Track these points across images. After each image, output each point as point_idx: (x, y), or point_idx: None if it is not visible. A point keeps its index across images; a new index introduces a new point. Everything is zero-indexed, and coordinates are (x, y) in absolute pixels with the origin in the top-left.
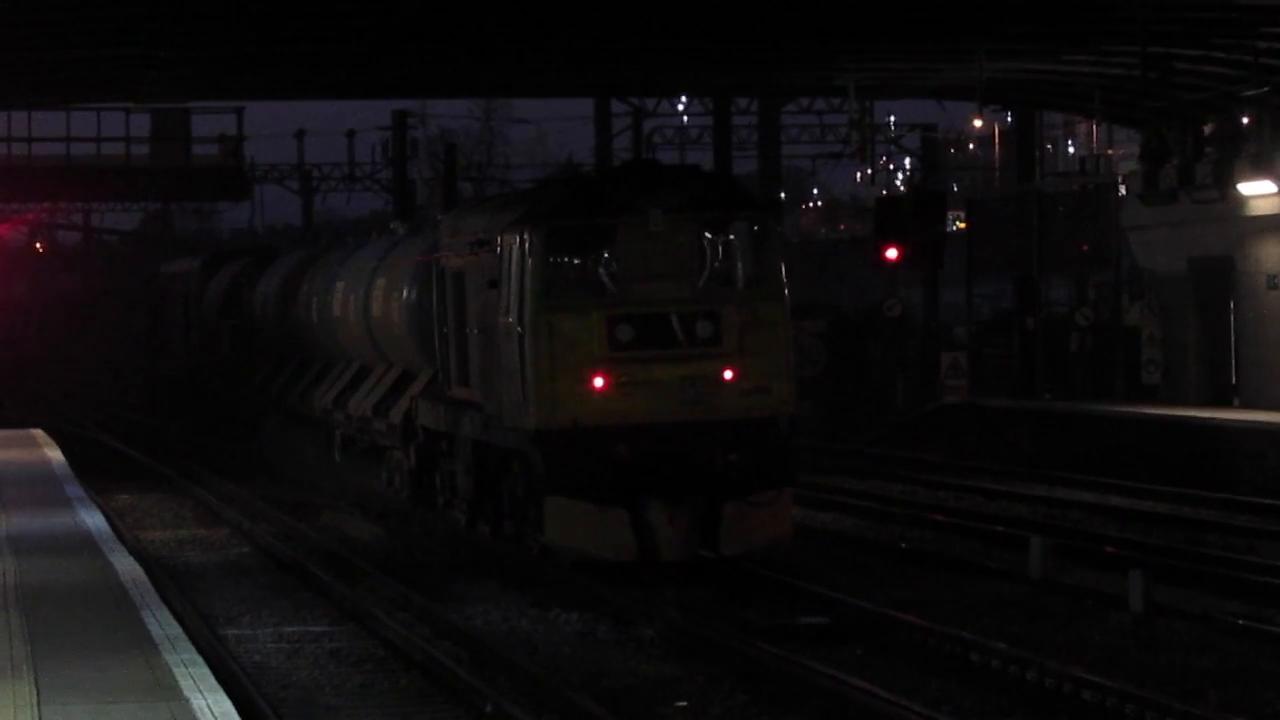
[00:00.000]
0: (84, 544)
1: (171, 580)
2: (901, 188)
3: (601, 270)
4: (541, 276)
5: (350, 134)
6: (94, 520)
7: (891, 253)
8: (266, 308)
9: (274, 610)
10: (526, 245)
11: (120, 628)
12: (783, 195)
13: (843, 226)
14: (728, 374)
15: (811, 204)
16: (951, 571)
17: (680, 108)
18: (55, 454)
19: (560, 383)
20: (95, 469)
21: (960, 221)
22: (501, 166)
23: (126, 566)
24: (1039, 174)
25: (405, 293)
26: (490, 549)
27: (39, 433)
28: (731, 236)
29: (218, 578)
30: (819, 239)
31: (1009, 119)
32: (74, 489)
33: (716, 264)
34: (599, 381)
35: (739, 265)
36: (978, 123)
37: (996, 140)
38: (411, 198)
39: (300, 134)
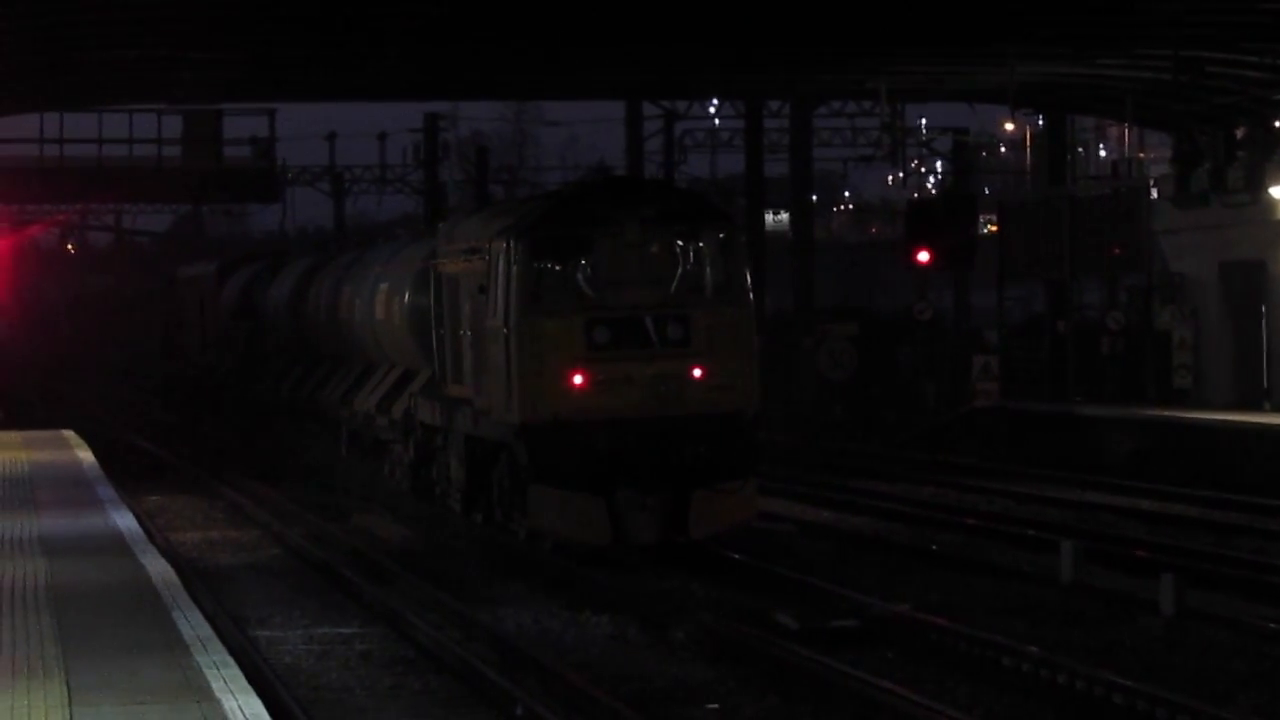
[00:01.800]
0: (115, 545)
1: (202, 581)
2: (933, 191)
3: (580, 277)
4: (526, 282)
5: (382, 136)
6: (125, 521)
7: (922, 256)
8: (279, 310)
9: (305, 612)
10: (512, 253)
11: (151, 629)
12: (814, 198)
13: (874, 229)
14: (696, 372)
15: (842, 207)
16: (982, 575)
17: (712, 110)
18: (86, 455)
19: (542, 381)
20: (125, 470)
21: (991, 225)
22: (532, 169)
23: (157, 567)
24: (1070, 177)
25: (406, 296)
26: (524, 552)
27: (70, 433)
28: (701, 245)
29: (248, 579)
30: (850, 242)
31: (1040, 122)
32: (105, 490)
33: (687, 270)
34: (578, 379)
35: (707, 272)
36: (1009, 126)
37: (1028, 144)
38: (443, 200)
39: (332, 136)
